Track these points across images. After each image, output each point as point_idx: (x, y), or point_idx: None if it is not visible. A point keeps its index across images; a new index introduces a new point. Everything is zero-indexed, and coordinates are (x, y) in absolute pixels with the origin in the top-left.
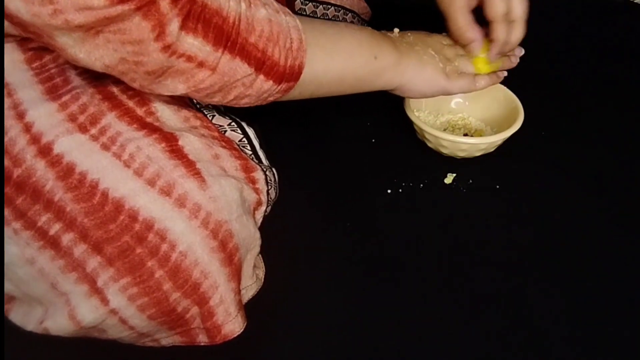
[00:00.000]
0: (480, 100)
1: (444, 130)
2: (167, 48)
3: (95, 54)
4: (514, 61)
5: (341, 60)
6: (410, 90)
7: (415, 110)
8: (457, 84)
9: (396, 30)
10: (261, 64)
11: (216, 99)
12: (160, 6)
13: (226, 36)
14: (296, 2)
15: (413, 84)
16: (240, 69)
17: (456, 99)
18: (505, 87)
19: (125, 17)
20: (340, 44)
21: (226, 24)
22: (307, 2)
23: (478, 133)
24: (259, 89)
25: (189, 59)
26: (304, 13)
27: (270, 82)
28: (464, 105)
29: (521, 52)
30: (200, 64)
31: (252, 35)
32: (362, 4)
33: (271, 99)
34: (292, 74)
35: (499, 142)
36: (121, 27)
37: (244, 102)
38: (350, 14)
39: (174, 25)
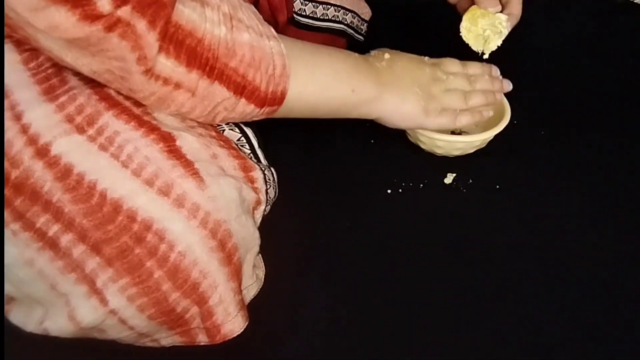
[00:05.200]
0: None
1: None
2: (148, 71)
3: (82, 60)
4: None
5: (316, 91)
6: (387, 122)
7: None
8: (435, 121)
9: (387, 55)
10: (241, 88)
11: (201, 120)
12: (136, 28)
13: (202, 59)
14: (296, 3)
15: (390, 117)
16: (220, 92)
17: None
18: None
19: (100, 38)
20: (317, 74)
21: (200, 45)
22: (307, 2)
23: (465, 132)
24: (242, 111)
25: (165, 81)
26: (304, 13)
27: (252, 105)
28: None
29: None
30: (177, 86)
31: (232, 60)
32: (362, 3)
33: (255, 119)
34: (275, 99)
35: (490, 138)
36: (103, 46)
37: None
38: (350, 14)
39: (154, 50)
